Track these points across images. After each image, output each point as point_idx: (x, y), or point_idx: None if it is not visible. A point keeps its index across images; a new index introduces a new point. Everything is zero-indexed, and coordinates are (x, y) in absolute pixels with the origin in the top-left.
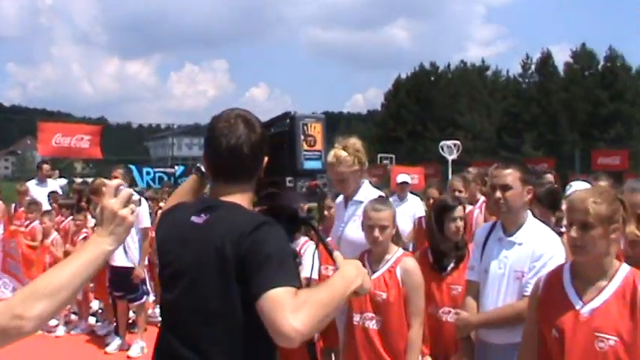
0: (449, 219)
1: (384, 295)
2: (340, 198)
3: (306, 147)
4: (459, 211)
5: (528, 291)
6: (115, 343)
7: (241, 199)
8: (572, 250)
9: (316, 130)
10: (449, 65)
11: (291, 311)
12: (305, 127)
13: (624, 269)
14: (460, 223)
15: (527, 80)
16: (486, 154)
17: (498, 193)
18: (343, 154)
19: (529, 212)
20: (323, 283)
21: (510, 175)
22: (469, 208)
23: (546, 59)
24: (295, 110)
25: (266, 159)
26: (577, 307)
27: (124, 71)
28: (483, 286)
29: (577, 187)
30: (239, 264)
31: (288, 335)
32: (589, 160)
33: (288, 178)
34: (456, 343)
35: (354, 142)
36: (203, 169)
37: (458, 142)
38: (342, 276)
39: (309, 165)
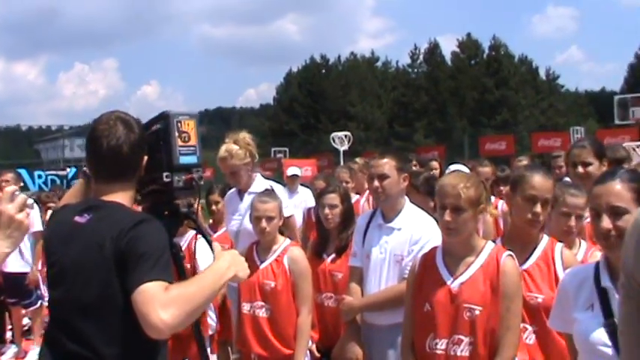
0: (320, 206)
1: (273, 284)
2: (233, 191)
3: (180, 143)
4: (330, 199)
5: (407, 273)
6: (11, 351)
7: (123, 197)
8: (445, 232)
9: (190, 126)
10: (339, 57)
11: (160, 305)
12: (179, 124)
13: (489, 246)
14: (329, 211)
15: (416, 70)
16: (378, 144)
17: (376, 182)
18: (235, 147)
19: (406, 199)
20: (195, 277)
21: (387, 164)
22: (356, 197)
23: (434, 49)
24: (172, 109)
25: (145, 158)
26: (448, 282)
27: (9, 72)
28: (366, 271)
29: (454, 168)
30: (119, 260)
31: (157, 327)
32: (477, 147)
33: (165, 174)
34: (338, 327)
35: (244, 136)
36: (88, 171)
37: (349, 134)
38: (213, 270)
39: (185, 160)
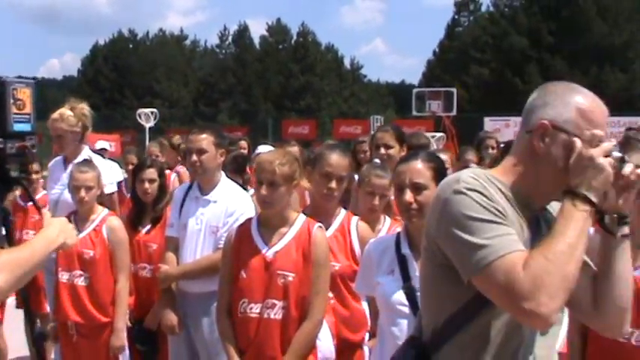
0: (139, 180)
1: (91, 253)
2: (59, 159)
3: (15, 110)
4: (149, 173)
5: (222, 244)
6: None
7: None
8: (262, 205)
9: (25, 94)
10: (147, 33)
11: None
12: (14, 92)
13: (301, 218)
14: (149, 185)
15: (224, 51)
16: (183, 123)
17: (194, 156)
18: (68, 113)
19: (222, 173)
20: (25, 243)
21: (205, 139)
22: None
23: (243, 32)
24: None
25: None
26: (263, 251)
27: None
28: (182, 241)
29: (262, 150)
30: None
31: None
32: (280, 130)
33: None
34: (152, 297)
35: (83, 106)
36: None
37: (155, 110)
38: (43, 236)
39: (19, 127)
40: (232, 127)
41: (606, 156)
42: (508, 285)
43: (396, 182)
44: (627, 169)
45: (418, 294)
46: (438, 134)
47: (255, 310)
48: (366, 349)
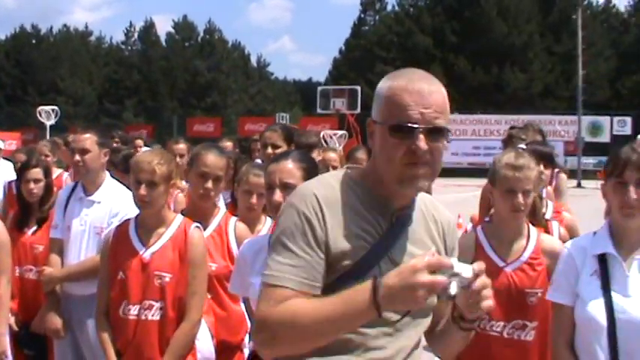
0: (24, 180)
1: None
2: None
3: None
4: (34, 173)
5: None
6: None
7: None
8: (140, 204)
9: None
10: (51, 29)
11: None
12: None
13: (179, 219)
14: (34, 185)
15: (130, 48)
16: (88, 120)
17: (77, 156)
18: None
19: (107, 173)
20: None
21: (88, 139)
22: (59, 172)
23: (149, 28)
24: None
25: None
26: (140, 252)
27: None
28: (67, 242)
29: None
30: None
31: None
32: (186, 127)
33: None
34: (39, 300)
35: None
36: None
37: (56, 108)
38: None
39: None
40: (137, 125)
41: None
42: (258, 312)
43: (266, 182)
44: (476, 284)
45: None
46: (340, 132)
47: (133, 311)
48: (246, 351)
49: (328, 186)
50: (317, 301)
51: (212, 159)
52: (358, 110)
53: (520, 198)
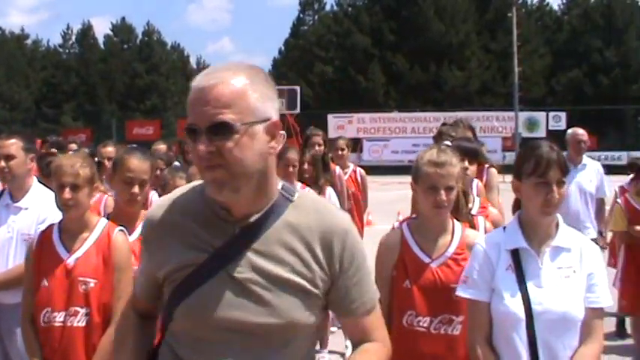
0: None
1: None
2: None
3: None
4: None
5: None
6: None
7: None
8: (64, 208)
9: None
10: None
11: None
12: None
13: (102, 222)
14: None
15: (67, 51)
16: (25, 125)
17: (2, 162)
18: None
19: (35, 179)
20: None
21: (14, 144)
22: None
23: (87, 31)
24: None
25: None
26: (64, 258)
27: None
28: None
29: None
30: None
31: None
32: (124, 130)
33: None
34: None
35: None
36: None
37: None
38: None
39: None
40: (76, 129)
41: None
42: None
43: (187, 183)
44: None
45: None
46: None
47: (58, 318)
48: None
49: (165, 205)
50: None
51: (136, 163)
52: (298, 110)
53: (442, 195)
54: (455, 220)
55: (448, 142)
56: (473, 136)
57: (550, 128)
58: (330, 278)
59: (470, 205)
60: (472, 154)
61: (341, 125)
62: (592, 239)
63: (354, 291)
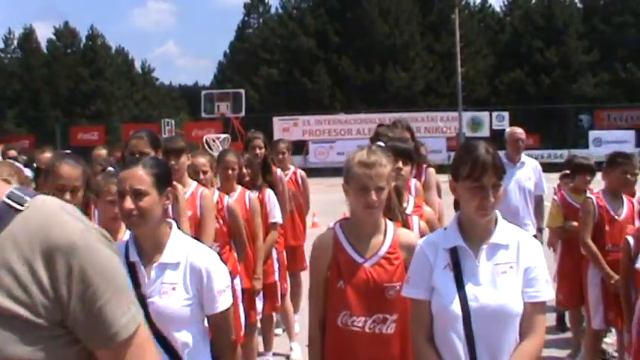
0: None
1: None
2: None
3: None
4: None
5: None
6: None
7: None
8: None
9: None
10: None
11: None
12: None
13: None
14: None
15: (9, 56)
16: None
17: None
18: None
19: None
20: None
21: None
22: None
23: (29, 35)
24: None
25: None
26: None
27: None
28: None
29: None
30: None
31: None
32: (69, 136)
33: None
34: None
35: None
36: None
37: None
38: None
39: None
40: (20, 136)
41: None
42: None
43: (118, 189)
44: None
45: (150, 300)
46: (223, 135)
47: None
48: None
49: None
50: None
51: (67, 170)
52: (243, 113)
53: (373, 195)
54: (387, 220)
55: (381, 143)
56: (411, 137)
57: (494, 127)
58: (59, 305)
59: (404, 205)
60: (406, 154)
61: (286, 128)
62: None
63: (97, 321)
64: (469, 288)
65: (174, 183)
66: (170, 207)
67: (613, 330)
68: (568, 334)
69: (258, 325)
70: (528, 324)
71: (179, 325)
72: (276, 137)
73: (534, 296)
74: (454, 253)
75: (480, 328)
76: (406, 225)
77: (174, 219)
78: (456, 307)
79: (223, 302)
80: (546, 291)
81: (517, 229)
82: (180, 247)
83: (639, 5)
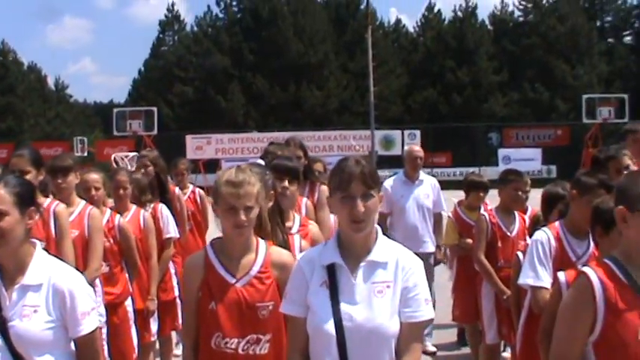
0: None
1: None
2: None
3: None
4: None
5: None
6: None
7: None
8: None
9: None
10: None
11: None
12: None
13: None
14: None
15: None
16: None
17: None
18: None
19: None
20: None
21: None
22: None
23: None
24: None
25: None
26: None
27: None
28: None
29: None
30: None
31: None
32: None
33: None
34: None
35: None
36: None
37: None
38: None
39: None
40: None
41: None
42: None
43: None
44: None
45: (10, 324)
46: (132, 154)
47: None
48: None
49: None
50: None
51: None
52: (155, 131)
53: (242, 215)
54: (259, 239)
55: (260, 161)
56: (304, 155)
57: (406, 146)
58: None
59: (289, 224)
60: (292, 173)
61: (199, 146)
62: (430, 253)
63: None
64: (344, 307)
65: (40, 200)
66: (53, 226)
67: None
68: (467, 350)
69: (157, 346)
70: (405, 344)
71: (41, 350)
72: (189, 155)
73: (412, 316)
74: (331, 270)
75: (355, 349)
76: (286, 244)
77: (55, 239)
78: (329, 326)
79: (88, 325)
80: (425, 311)
81: (397, 247)
82: (43, 269)
83: (547, 28)
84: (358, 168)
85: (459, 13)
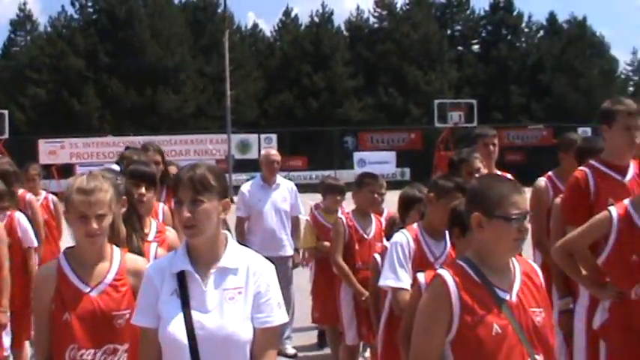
0: None
1: None
2: None
3: None
4: None
5: None
6: None
7: None
8: None
9: None
10: None
11: None
12: None
13: None
14: None
15: None
16: None
17: None
18: None
19: None
20: None
21: None
22: None
23: None
24: None
25: None
26: None
27: None
28: None
29: None
30: None
31: None
32: None
33: None
34: None
35: None
36: None
37: None
38: None
39: None
40: None
41: None
42: None
43: None
44: None
45: None
46: None
47: None
48: None
49: None
50: None
51: None
52: (6, 135)
53: (93, 223)
54: (114, 246)
55: (115, 166)
56: (162, 160)
57: (262, 150)
58: None
59: (146, 230)
60: (149, 179)
61: (53, 150)
62: (289, 256)
63: None
64: (195, 315)
65: None
66: None
67: None
68: (328, 351)
69: None
70: (259, 350)
71: None
72: (42, 161)
73: (265, 322)
74: (182, 277)
75: (208, 357)
76: (141, 251)
77: None
78: (181, 335)
79: None
80: (278, 315)
81: (248, 252)
82: None
83: (401, 35)
84: (188, 174)
85: (316, 19)
